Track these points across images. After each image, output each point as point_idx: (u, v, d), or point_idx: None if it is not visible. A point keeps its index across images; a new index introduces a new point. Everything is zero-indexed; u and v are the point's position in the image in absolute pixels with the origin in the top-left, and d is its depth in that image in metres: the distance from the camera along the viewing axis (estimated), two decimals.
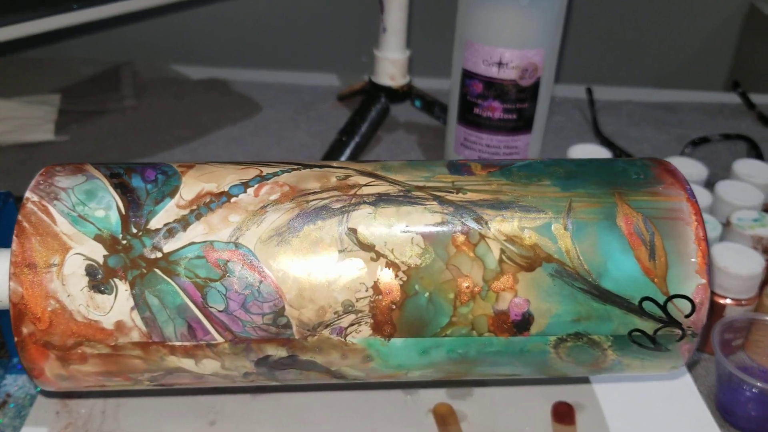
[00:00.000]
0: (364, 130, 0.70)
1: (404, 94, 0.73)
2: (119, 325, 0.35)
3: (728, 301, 0.48)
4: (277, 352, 0.36)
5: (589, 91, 0.81)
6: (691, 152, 0.72)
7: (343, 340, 0.36)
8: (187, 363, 0.37)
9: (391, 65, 0.71)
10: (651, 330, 0.37)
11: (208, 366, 0.37)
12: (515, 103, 0.60)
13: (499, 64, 0.58)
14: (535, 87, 0.60)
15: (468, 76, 0.60)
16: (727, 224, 0.53)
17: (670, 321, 0.37)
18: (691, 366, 0.49)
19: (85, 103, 0.77)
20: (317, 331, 0.36)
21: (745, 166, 0.61)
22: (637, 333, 0.37)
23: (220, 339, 0.36)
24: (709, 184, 0.60)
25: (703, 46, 1.00)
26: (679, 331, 0.37)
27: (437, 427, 0.43)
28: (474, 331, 0.36)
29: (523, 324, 0.36)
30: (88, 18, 0.61)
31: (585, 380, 0.46)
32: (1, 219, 0.41)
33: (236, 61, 0.94)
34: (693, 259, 0.36)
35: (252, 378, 0.38)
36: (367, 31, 0.82)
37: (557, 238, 0.36)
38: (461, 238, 0.36)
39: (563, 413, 0.44)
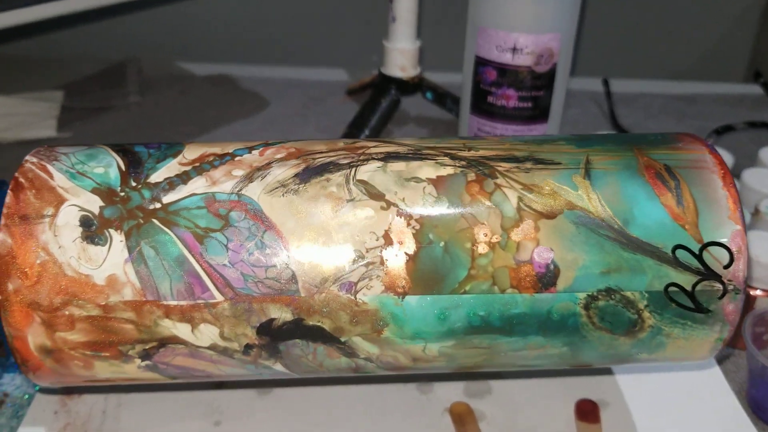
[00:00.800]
0: (374, 123, 0.68)
1: (415, 85, 0.71)
2: (111, 281, 0.33)
3: (759, 292, 0.46)
4: (282, 315, 0.33)
5: (606, 83, 0.79)
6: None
7: (353, 298, 0.33)
8: (183, 330, 0.34)
9: (401, 56, 0.69)
10: (689, 284, 0.34)
11: (206, 334, 0.34)
12: (530, 91, 0.58)
13: (514, 49, 0.56)
14: (551, 74, 0.58)
15: (481, 63, 0.58)
16: (755, 213, 0.50)
17: (709, 273, 0.34)
18: (720, 361, 0.46)
19: (88, 99, 0.75)
20: (325, 287, 0.33)
21: None
22: (675, 289, 0.34)
23: (219, 297, 0.33)
24: (734, 174, 0.57)
25: (722, 38, 0.97)
26: (720, 286, 0.34)
27: (454, 427, 0.41)
28: (495, 286, 0.33)
29: (548, 277, 0.33)
30: (86, 6, 0.59)
31: (608, 371, 0.44)
32: None
33: (242, 58, 0.92)
34: (724, 204, 0.34)
35: (253, 356, 0.35)
36: (376, 24, 0.80)
37: (577, 186, 0.34)
38: (476, 186, 0.34)
39: (587, 411, 0.42)
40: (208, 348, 0.34)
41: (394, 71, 0.70)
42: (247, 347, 0.34)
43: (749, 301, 0.46)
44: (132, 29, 0.89)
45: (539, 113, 0.59)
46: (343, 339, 0.34)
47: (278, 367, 0.36)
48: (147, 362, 0.35)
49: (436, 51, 0.79)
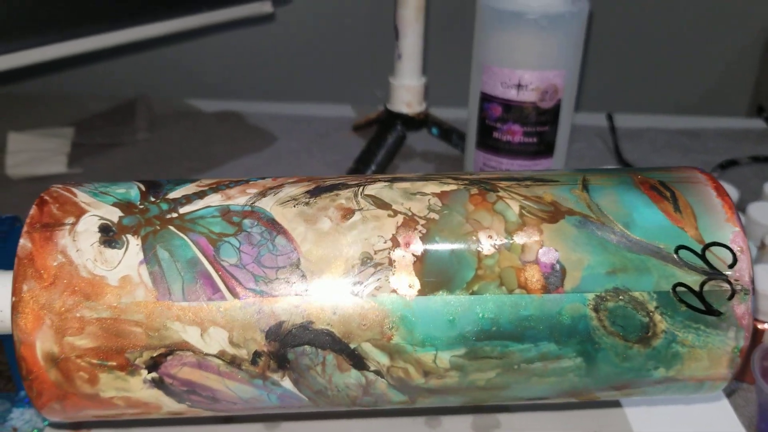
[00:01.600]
0: (380, 158, 0.69)
1: (421, 121, 0.72)
2: (125, 281, 0.33)
3: (767, 326, 0.46)
4: (291, 318, 0.34)
5: (610, 117, 0.80)
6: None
7: (362, 299, 0.34)
8: (192, 334, 0.34)
9: (407, 92, 0.70)
10: (696, 285, 0.34)
11: (215, 338, 0.34)
12: (535, 126, 0.59)
13: (519, 86, 0.57)
14: (555, 110, 0.58)
15: (486, 99, 0.59)
16: (761, 247, 0.50)
17: (714, 272, 0.34)
18: (729, 395, 0.46)
19: (98, 136, 0.76)
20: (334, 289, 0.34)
21: None
22: (683, 289, 0.34)
23: (230, 298, 0.33)
24: (740, 208, 0.57)
25: (724, 73, 0.98)
26: (728, 286, 0.34)
27: None
28: (503, 286, 0.34)
29: (555, 277, 0.34)
30: (95, 46, 0.61)
31: (617, 405, 0.44)
32: (8, 243, 0.40)
33: (249, 95, 0.93)
34: (720, 210, 0.35)
35: (261, 366, 0.34)
36: (381, 62, 0.81)
37: (576, 197, 0.36)
38: (479, 198, 0.36)
39: None
40: (216, 356, 0.34)
41: (399, 107, 0.71)
42: (256, 355, 0.34)
43: (757, 335, 0.45)
44: (141, 68, 0.91)
45: (544, 148, 0.60)
46: (352, 345, 0.34)
47: (287, 383, 0.35)
48: (153, 374, 0.35)
49: (441, 87, 0.80)
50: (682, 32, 0.95)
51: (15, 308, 0.33)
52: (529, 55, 0.56)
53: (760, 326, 0.45)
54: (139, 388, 0.35)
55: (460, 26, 0.83)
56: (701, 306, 0.35)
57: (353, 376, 0.35)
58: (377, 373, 0.35)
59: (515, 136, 0.59)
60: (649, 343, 0.35)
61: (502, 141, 0.60)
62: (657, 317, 0.35)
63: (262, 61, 0.93)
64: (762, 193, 0.59)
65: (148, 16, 0.63)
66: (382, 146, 0.69)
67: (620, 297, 0.34)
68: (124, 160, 0.73)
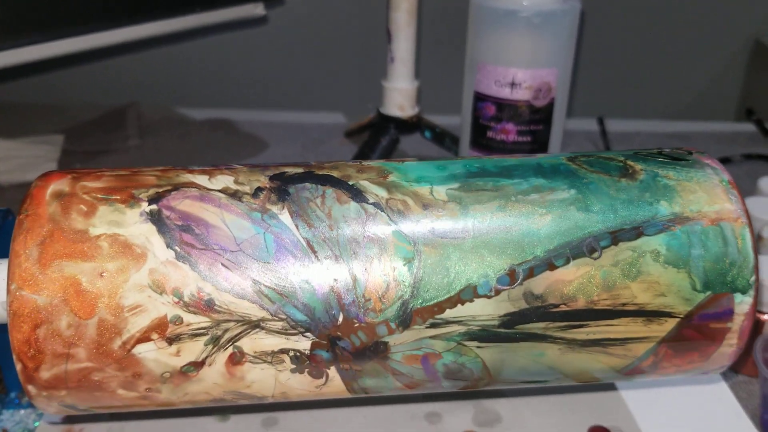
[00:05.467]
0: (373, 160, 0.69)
1: (413, 124, 0.72)
2: None
3: (767, 317, 0.45)
4: (294, 170, 0.36)
5: (601, 121, 0.80)
6: None
7: (360, 164, 0.37)
8: (201, 179, 0.35)
9: (399, 95, 0.70)
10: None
11: (221, 180, 0.35)
12: (529, 125, 0.59)
13: (512, 84, 0.57)
14: (549, 108, 0.58)
15: (480, 98, 0.59)
16: (759, 239, 0.50)
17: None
18: (732, 387, 0.46)
19: (88, 143, 0.75)
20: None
21: None
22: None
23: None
24: None
25: (712, 80, 0.99)
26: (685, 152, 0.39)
27: None
28: None
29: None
30: (79, 48, 0.60)
31: (618, 394, 0.43)
32: (1, 234, 0.40)
33: (241, 103, 0.93)
34: None
35: (262, 199, 0.34)
36: (373, 67, 0.81)
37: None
38: None
39: None
40: (220, 191, 0.35)
41: (392, 111, 0.71)
42: (258, 190, 0.35)
43: (759, 326, 0.45)
44: (130, 76, 0.90)
45: (538, 147, 0.60)
46: (351, 182, 0.35)
47: (285, 217, 0.34)
48: (152, 206, 0.34)
49: (433, 92, 0.80)
50: (671, 39, 0.96)
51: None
52: (523, 53, 0.56)
53: (762, 317, 0.45)
54: (132, 222, 0.33)
55: (452, 30, 0.84)
56: (668, 158, 0.38)
57: (352, 208, 0.34)
58: (376, 206, 0.34)
59: (509, 135, 0.59)
60: (634, 177, 0.36)
61: (496, 140, 0.60)
62: (630, 163, 0.37)
63: (253, 68, 0.93)
64: (756, 188, 0.59)
65: (137, 16, 0.63)
66: (376, 149, 0.69)
67: (590, 156, 0.38)
68: (114, 167, 0.72)
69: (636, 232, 0.35)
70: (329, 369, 0.34)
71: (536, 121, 0.59)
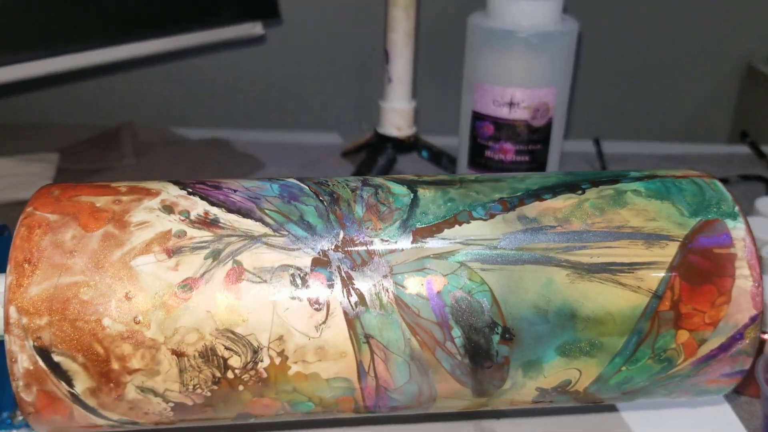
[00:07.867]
0: None
1: (411, 144, 0.72)
2: None
3: None
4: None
5: (597, 142, 0.80)
6: None
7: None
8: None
9: (397, 115, 0.70)
10: None
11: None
12: (527, 144, 0.59)
13: (510, 104, 0.57)
14: (547, 128, 0.59)
15: (478, 117, 0.59)
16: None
17: None
18: (734, 408, 0.45)
19: (84, 161, 0.75)
20: None
21: (767, 203, 0.59)
22: None
23: None
24: None
25: (705, 104, 1.00)
26: None
27: None
28: None
29: None
30: (76, 65, 0.60)
31: (619, 415, 0.43)
32: None
33: (237, 123, 0.93)
34: None
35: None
36: (371, 88, 0.81)
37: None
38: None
39: None
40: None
41: (390, 131, 0.71)
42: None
43: (761, 346, 0.45)
44: (126, 96, 0.90)
45: (536, 167, 0.60)
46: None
47: (292, 180, 0.38)
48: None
49: (430, 112, 0.80)
50: (667, 62, 0.97)
51: None
52: (521, 73, 0.56)
53: (764, 336, 0.45)
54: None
55: (449, 50, 0.84)
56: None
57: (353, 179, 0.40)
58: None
59: (507, 155, 0.59)
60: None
61: (495, 160, 0.60)
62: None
63: (250, 87, 0.93)
64: (754, 209, 0.59)
65: (134, 35, 0.63)
66: (373, 168, 0.69)
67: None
68: None
69: (613, 181, 0.38)
70: (330, 298, 0.33)
71: (534, 141, 0.59)
